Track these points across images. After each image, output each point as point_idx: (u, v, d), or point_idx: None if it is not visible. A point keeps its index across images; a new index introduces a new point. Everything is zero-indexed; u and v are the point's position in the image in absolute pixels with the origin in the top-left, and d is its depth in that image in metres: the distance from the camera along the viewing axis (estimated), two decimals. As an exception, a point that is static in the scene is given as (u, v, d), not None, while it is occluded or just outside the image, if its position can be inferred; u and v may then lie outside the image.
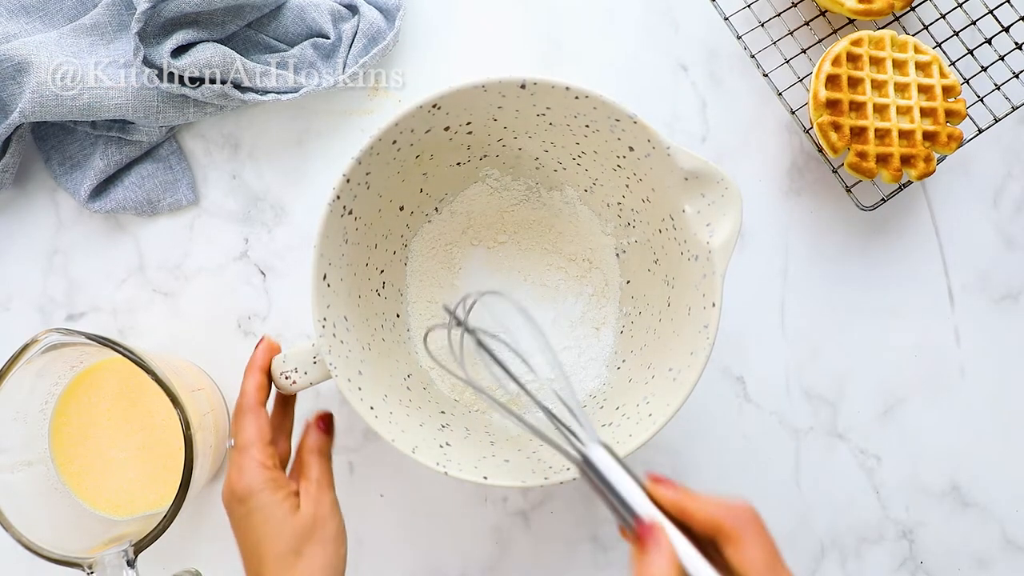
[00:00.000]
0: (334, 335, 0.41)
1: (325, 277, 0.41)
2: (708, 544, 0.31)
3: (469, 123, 0.44)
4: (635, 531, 0.31)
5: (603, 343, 0.50)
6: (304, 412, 0.45)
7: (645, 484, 0.32)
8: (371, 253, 0.46)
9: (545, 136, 0.46)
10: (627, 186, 0.46)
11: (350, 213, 0.42)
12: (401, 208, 0.48)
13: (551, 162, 0.49)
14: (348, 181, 0.40)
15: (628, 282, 0.50)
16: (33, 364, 0.42)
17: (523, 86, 0.41)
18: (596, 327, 0.50)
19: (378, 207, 0.45)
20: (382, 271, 0.48)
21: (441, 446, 0.42)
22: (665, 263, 0.45)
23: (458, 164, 0.48)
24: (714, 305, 0.40)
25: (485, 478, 0.40)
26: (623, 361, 0.48)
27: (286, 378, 0.42)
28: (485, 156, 0.48)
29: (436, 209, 0.50)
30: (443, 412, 0.47)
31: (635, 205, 0.47)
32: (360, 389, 0.41)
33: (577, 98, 0.41)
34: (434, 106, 0.41)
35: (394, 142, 0.42)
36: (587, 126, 0.43)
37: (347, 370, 0.41)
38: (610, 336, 0.50)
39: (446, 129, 0.44)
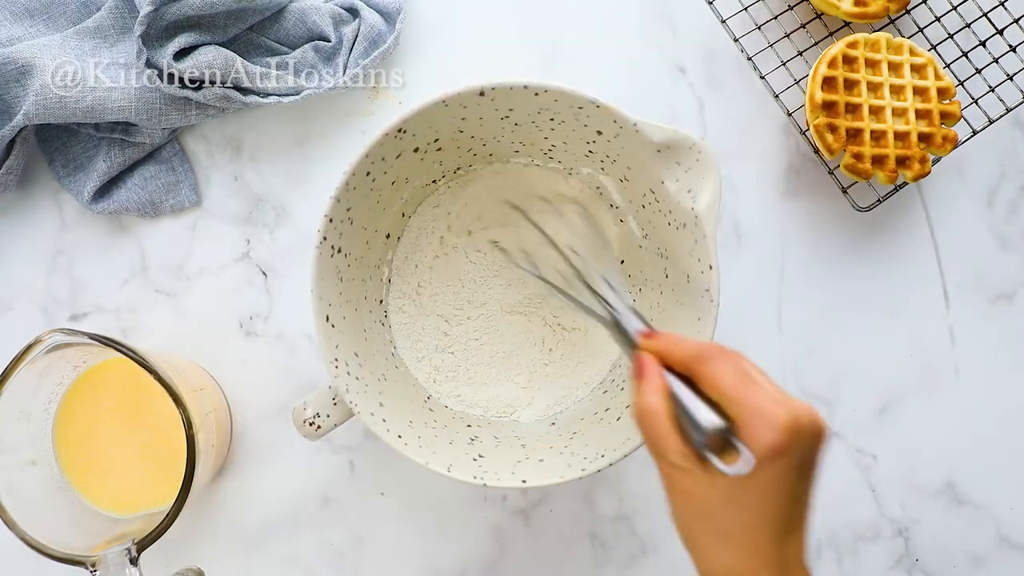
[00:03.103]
0: (348, 373, 0.41)
1: (328, 319, 0.41)
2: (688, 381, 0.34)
3: (437, 140, 0.44)
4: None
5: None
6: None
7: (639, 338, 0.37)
8: (367, 286, 0.47)
9: (513, 137, 0.46)
10: (602, 169, 0.46)
11: (339, 251, 0.42)
12: (387, 236, 0.48)
13: (524, 160, 0.49)
14: (331, 221, 0.41)
15: (622, 261, 0.50)
16: (37, 364, 0.42)
17: (482, 93, 0.41)
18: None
19: (365, 239, 0.46)
20: (381, 301, 0.48)
21: (475, 459, 0.43)
22: (654, 237, 0.46)
23: (433, 182, 0.49)
24: (711, 268, 0.41)
25: (524, 482, 0.40)
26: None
27: (310, 424, 0.41)
28: (459, 169, 0.49)
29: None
30: (469, 426, 0.47)
31: (613, 186, 0.47)
32: (384, 421, 0.41)
33: (537, 94, 0.41)
34: (399, 130, 0.41)
35: (368, 173, 0.42)
36: (552, 119, 0.43)
37: (368, 404, 0.41)
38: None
39: (415, 151, 0.44)
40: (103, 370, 0.48)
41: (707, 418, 0.31)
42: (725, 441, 0.31)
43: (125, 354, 0.42)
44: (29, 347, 0.41)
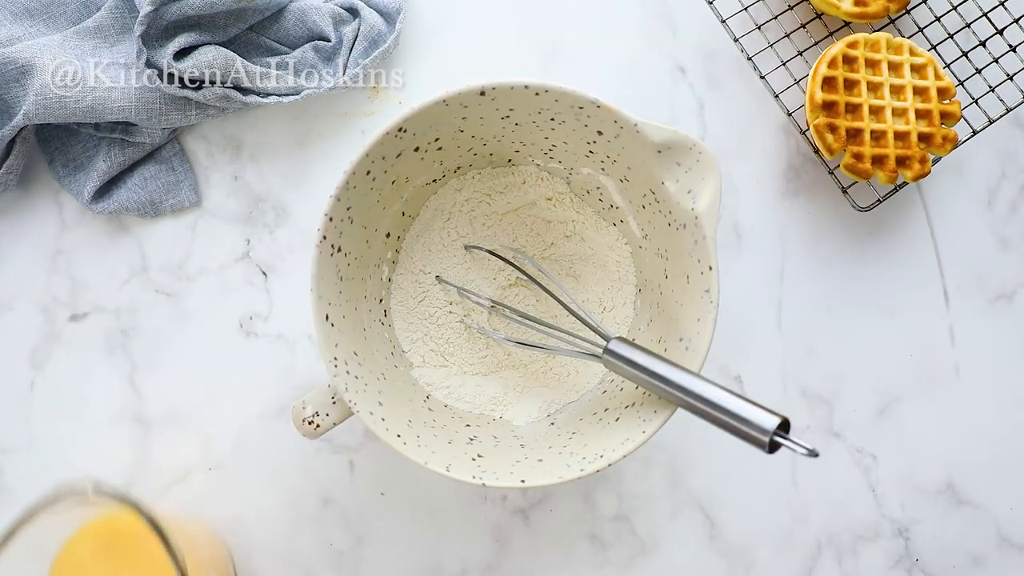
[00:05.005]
0: (347, 372, 0.41)
1: (328, 318, 0.41)
2: None
3: (437, 139, 0.45)
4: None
5: (614, 325, 0.50)
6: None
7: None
8: (367, 285, 0.47)
9: (514, 137, 0.46)
10: (603, 170, 0.47)
11: (339, 250, 0.42)
12: (387, 235, 0.48)
13: (525, 161, 0.49)
14: (331, 219, 0.41)
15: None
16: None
17: (483, 92, 0.41)
18: (605, 311, 0.50)
19: (364, 239, 0.46)
20: (380, 300, 0.48)
21: (473, 459, 0.43)
22: (655, 237, 0.46)
23: (434, 181, 0.49)
24: (711, 268, 0.41)
25: (523, 481, 0.40)
26: (633, 340, 0.49)
27: (309, 423, 0.41)
28: (459, 168, 0.49)
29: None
30: (468, 425, 0.47)
31: (613, 187, 0.47)
32: (383, 420, 0.41)
33: (537, 94, 0.41)
34: (400, 129, 0.41)
35: (368, 172, 0.42)
36: (552, 119, 0.43)
37: (367, 404, 0.41)
38: (618, 318, 0.50)
39: (416, 150, 0.44)
40: (106, 524, 0.44)
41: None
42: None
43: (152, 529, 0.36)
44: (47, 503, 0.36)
